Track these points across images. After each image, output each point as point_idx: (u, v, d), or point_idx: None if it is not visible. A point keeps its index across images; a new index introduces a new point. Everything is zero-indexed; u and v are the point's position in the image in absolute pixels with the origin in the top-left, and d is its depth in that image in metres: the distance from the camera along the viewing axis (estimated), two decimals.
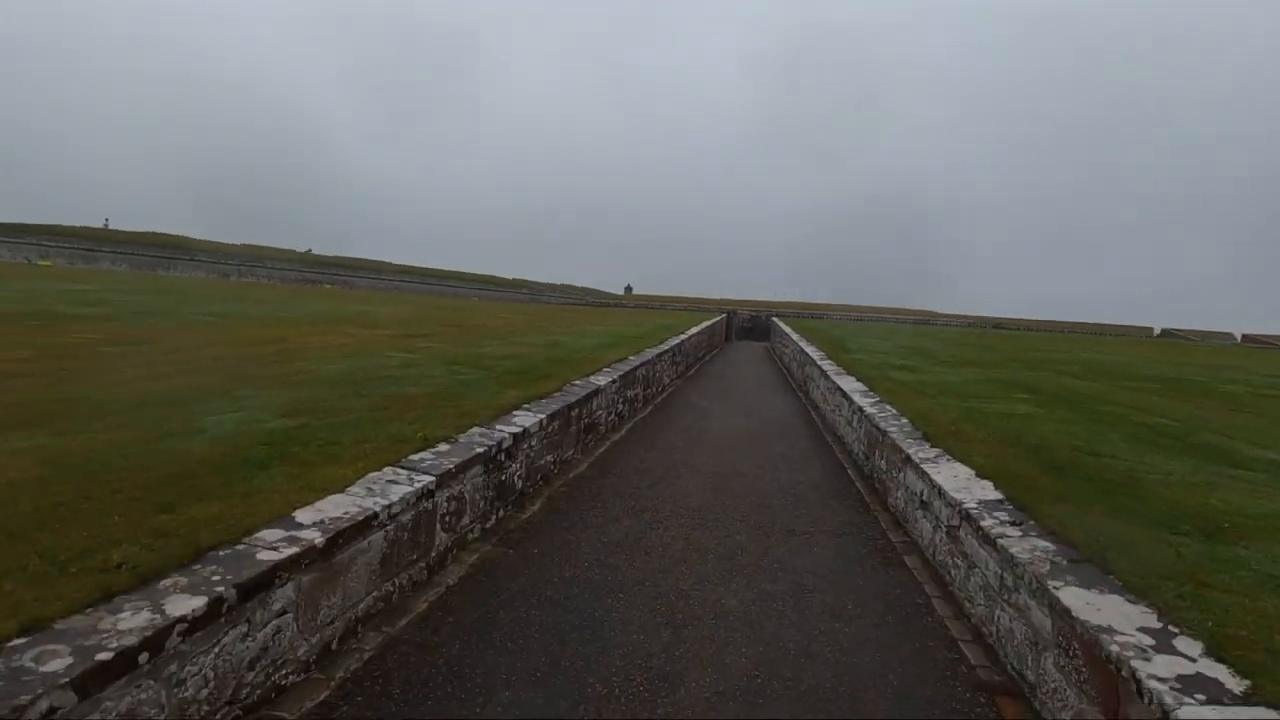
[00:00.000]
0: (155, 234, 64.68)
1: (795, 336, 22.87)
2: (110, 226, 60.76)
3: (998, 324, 56.90)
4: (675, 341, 17.85)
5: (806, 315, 47.92)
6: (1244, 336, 66.55)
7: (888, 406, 8.58)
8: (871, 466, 8.05)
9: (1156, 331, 67.25)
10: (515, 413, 6.73)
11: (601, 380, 9.58)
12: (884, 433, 7.37)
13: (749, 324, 46.22)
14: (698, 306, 54.75)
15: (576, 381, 9.05)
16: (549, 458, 7.15)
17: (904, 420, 7.71)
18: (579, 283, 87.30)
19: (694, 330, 23.32)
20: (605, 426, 9.74)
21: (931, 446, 6.42)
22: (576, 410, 8.17)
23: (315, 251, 71.87)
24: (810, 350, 17.36)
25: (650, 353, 14.13)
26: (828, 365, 13.88)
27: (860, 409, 8.79)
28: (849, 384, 10.85)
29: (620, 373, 10.71)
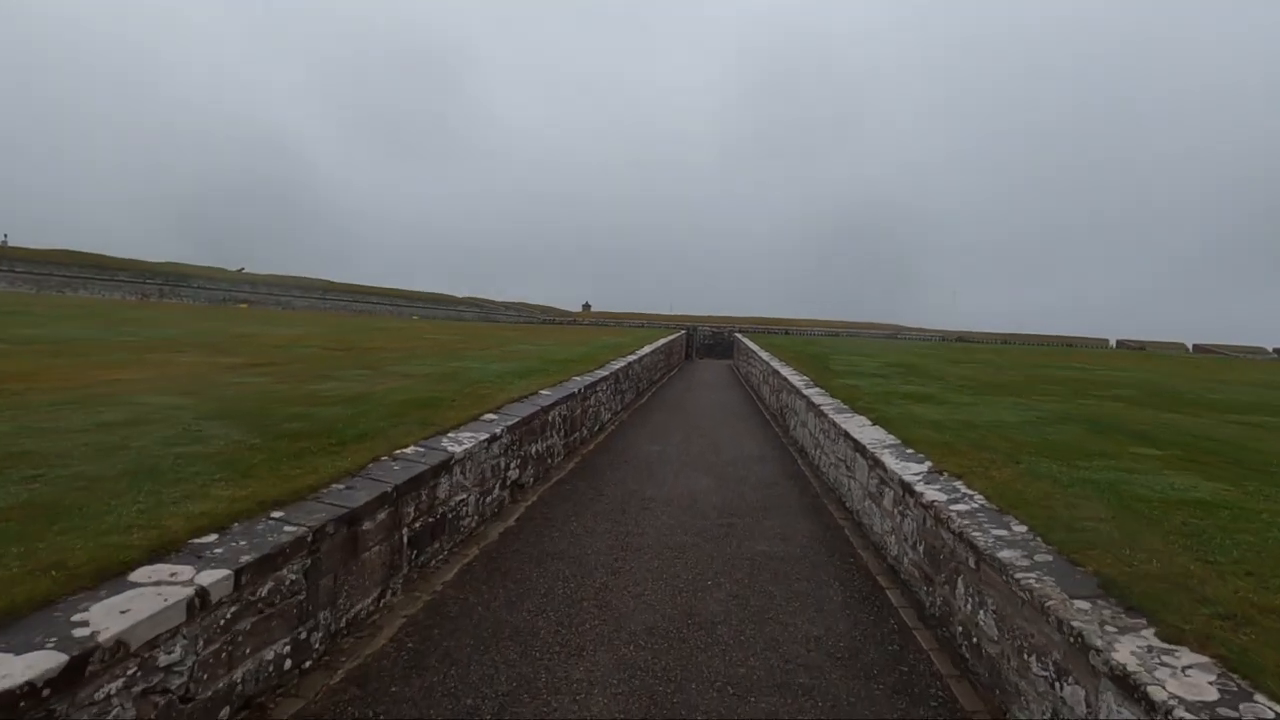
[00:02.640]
0: (67, 251, 58.34)
1: (764, 355, 19.21)
2: (9, 244, 54.15)
3: (961, 337, 54.74)
4: (620, 365, 13.93)
5: (769, 330, 44.71)
6: (1195, 346, 66.66)
7: (958, 484, 4.79)
8: (939, 601, 4.23)
9: (1112, 343, 66.51)
10: (134, 573, 2.68)
11: (464, 442, 5.56)
12: (994, 561, 3.54)
13: (711, 340, 42.74)
14: (656, 322, 51.12)
15: (411, 449, 5.00)
16: (271, 652, 3.11)
17: (1013, 525, 3.91)
18: (537, 300, 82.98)
19: (647, 350, 19.49)
20: (476, 517, 5.71)
21: (1169, 640, 2.60)
22: (387, 513, 4.15)
23: (248, 270, 66.10)
24: (787, 373, 13.64)
25: (578, 382, 10.18)
26: (816, 395, 10.13)
27: (909, 488, 4.98)
28: (866, 431, 7.07)
29: (513, 421, 6.72)
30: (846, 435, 7.19)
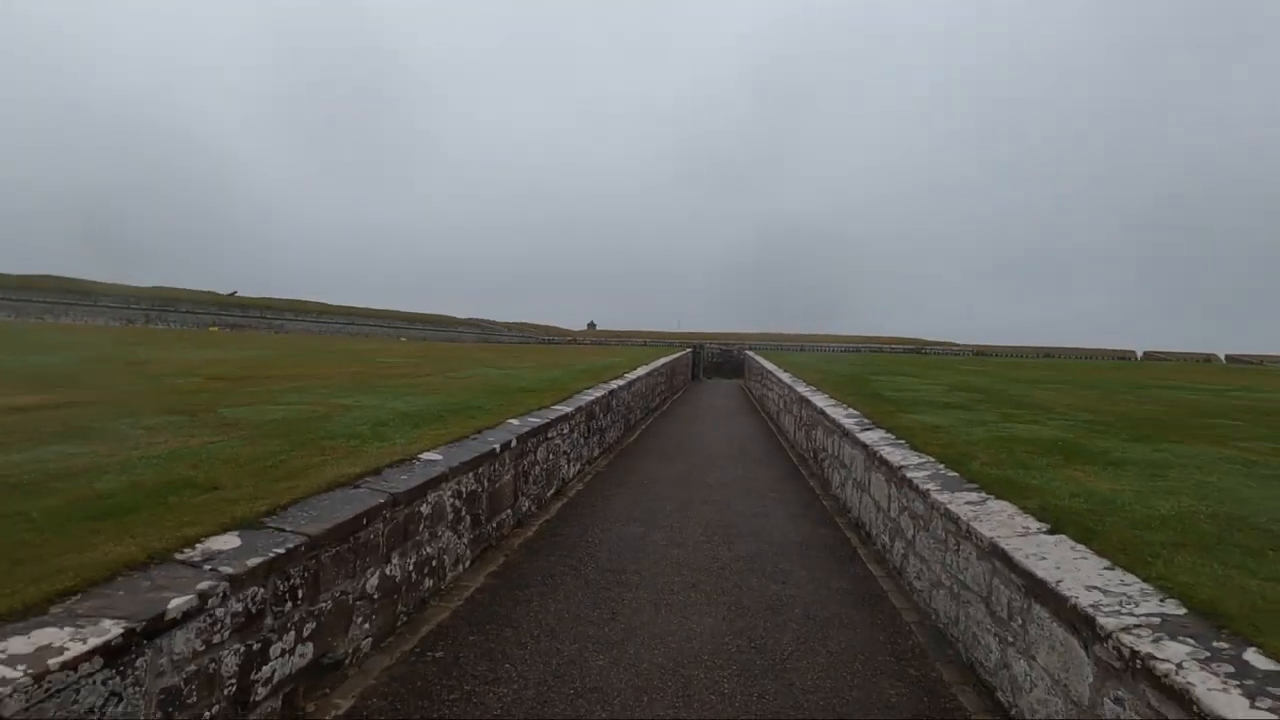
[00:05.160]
0: (50, 277, 55.80)
1: (784, 377, 15.45)
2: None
3: (979, 351, 50.71)
4: (595, 395, 10.22)
5: (783, 347, 40.93)
6: (1228, 357, 62.75)
7: None
8: None
9: (1139, 354, 62.39)
10: None
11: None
12: None
13: (719, 359, 38.99)
14: (662, 340, 47.51)
15: None
16: None
17: None
18: (543, 321, 79.51)
19: (642, 371, 15.79)
20: None
21: None
22: None
23: (241, 294, 63.44)
24: (822, 403, 9.87)
25: (513, 429, 6.46)
26: (884, 443, 6.34)
27: None
28: (1048, 550, 3.25)
29: (268, 557, 2.98)
30: (1000, 554, 3.43)
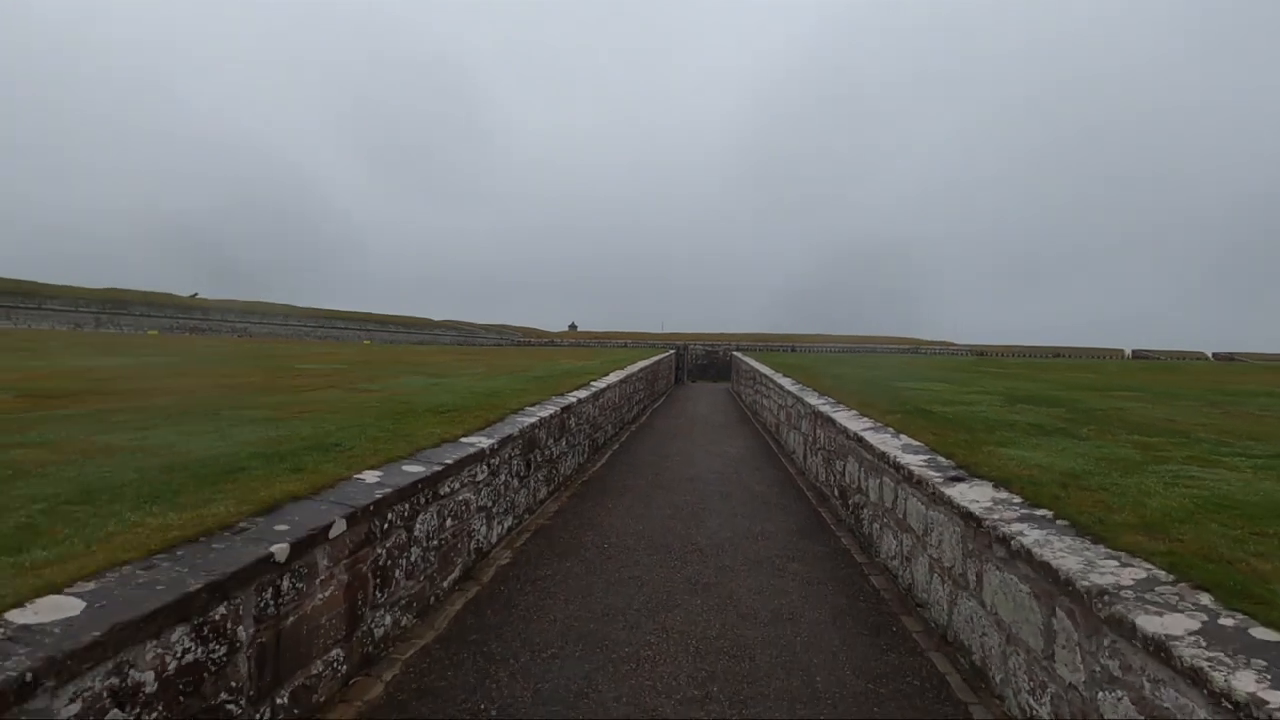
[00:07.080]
0: None
1: (787, 384, 12.69)
2: None
3: (980, 352, 48.62)
4: (542, 414, 7.34)
5: (770, 347, 38.29)
6: (1215, 355, 62.04)
7: None
8: None
9: (1128, 353, 61.07)
10: None
11: None
12: None
13: (704, 360, 36.23)
14: (645, 341, 44.72)
15: None
16: None
17: None
18: (525, 323, 76.26)
19: (614, 378, 12.96)
20: None
21: None
22: None
23: (201, 295, 59.72)
24: (855, 425, 7.08)
25: (353, 491, 3.59)
26: (1030, 528, 3.55)
27: None
28: None
29: None
30: None
